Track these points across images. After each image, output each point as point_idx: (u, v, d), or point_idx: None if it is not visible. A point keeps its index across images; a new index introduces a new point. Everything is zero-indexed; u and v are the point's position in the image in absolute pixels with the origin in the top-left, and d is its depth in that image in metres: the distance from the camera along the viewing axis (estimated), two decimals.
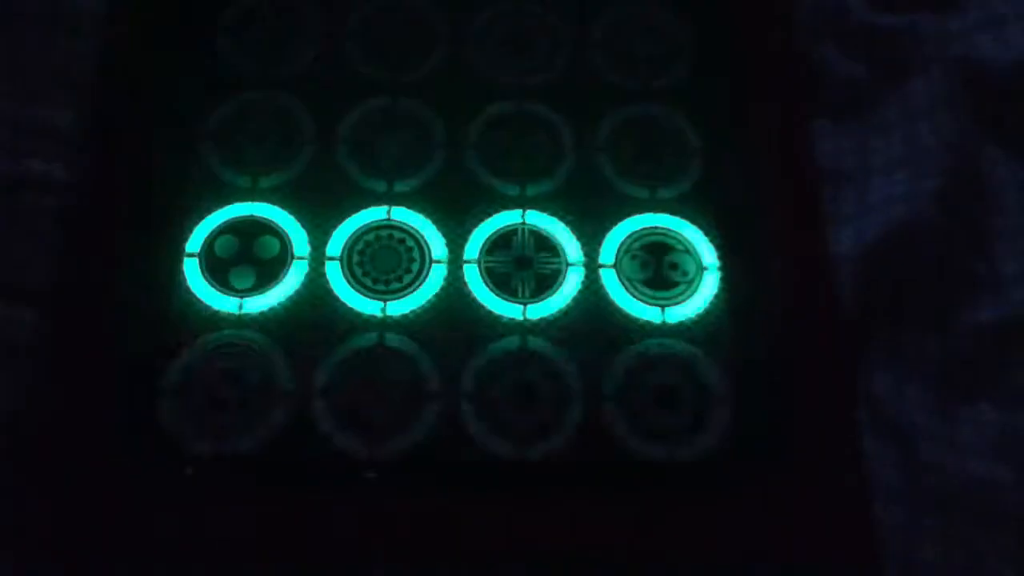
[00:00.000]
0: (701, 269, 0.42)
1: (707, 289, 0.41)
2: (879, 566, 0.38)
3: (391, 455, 0.38)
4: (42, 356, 0.38)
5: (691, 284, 0.41)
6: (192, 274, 0.40)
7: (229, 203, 0.42)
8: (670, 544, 0.37)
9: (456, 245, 0.42)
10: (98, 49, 0.43)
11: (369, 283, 0.41)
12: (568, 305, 0.41)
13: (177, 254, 0.41)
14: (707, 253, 0.42)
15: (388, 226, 0.42)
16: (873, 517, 0.38)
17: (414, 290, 0.41)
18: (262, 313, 0.40)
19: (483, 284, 0.41)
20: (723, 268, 0.42)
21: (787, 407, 0.39)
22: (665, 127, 0.44)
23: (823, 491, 0.37)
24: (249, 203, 0.42)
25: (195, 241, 0.41)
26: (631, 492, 0.37)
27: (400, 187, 0.42)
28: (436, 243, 0.41)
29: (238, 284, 0.40)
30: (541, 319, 0.40)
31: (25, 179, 0.43)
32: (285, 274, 0.41)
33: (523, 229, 0.42)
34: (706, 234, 0.42)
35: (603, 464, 0.38)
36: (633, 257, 0.42)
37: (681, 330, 0.40)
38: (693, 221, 0.43)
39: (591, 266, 0.41)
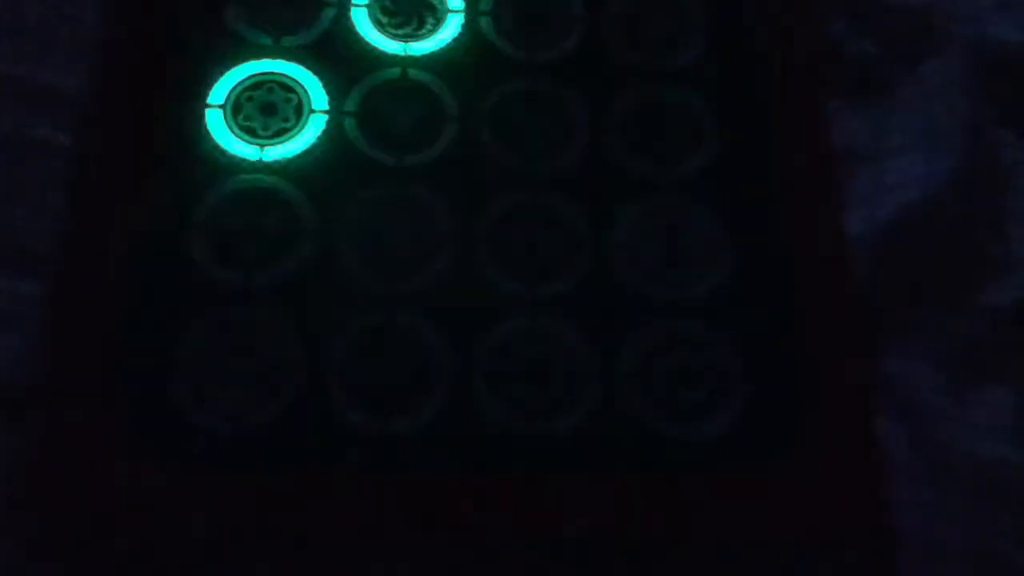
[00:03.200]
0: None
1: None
2: (893, 547, 0.38)
3: None
4: (50, 327, 0.37)
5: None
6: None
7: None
8: (683, 524, 0.36)
9: None
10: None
11: None
12: None
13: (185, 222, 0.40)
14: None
15: None
16: (887, 498, 0.38)
17: None
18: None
19: None
20: (739, 248, 0.41)
21: (801, 387, 0.38)
22: (676, 107, 0.43)
23: (836, 472, 0.37)
24: None
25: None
26: (645, 471, 0.37)
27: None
28: None
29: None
30: None
31: (29, 142, 0.42)
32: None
33: None
34: None
35: (620, 444, 0.38)
36: None
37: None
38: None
39: None
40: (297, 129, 0.41)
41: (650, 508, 0.36)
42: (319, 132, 0.41)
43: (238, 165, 0.41)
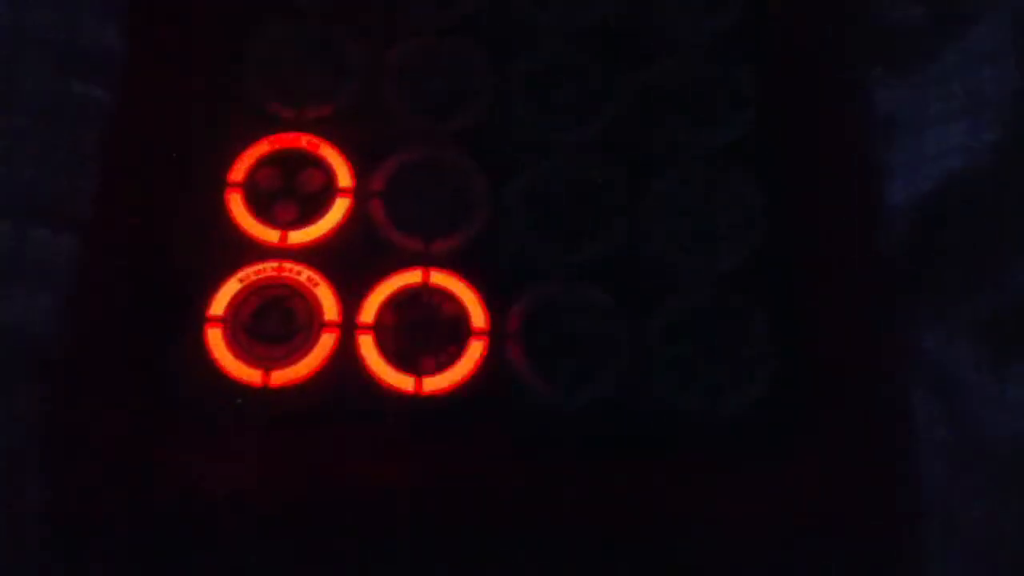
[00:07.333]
0: None
1: None
2: (923, 523, 0.37)
3: None
4: (84, 284, 0.37)
5: None
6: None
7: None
8: (707, 501, 0.36)
9: None
10: None
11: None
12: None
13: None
14: None
15: None
16: (918, 474, 0.38)
17: None
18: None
19: None
20: (772, 218, 0.40)
21: (834, 360, 0.38)
22: (715, 75, 0.43)
23: (867, 447, 0.37)
24: None
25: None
26: (673, 447, 0.37)
27: None
28: None
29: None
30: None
31: (67, 102, 0.42)
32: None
33: None
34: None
35: (645, 417, 0.37)
36: None
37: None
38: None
39: None
40: None
41: (670, 491, 0.36)
42: None
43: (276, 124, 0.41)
